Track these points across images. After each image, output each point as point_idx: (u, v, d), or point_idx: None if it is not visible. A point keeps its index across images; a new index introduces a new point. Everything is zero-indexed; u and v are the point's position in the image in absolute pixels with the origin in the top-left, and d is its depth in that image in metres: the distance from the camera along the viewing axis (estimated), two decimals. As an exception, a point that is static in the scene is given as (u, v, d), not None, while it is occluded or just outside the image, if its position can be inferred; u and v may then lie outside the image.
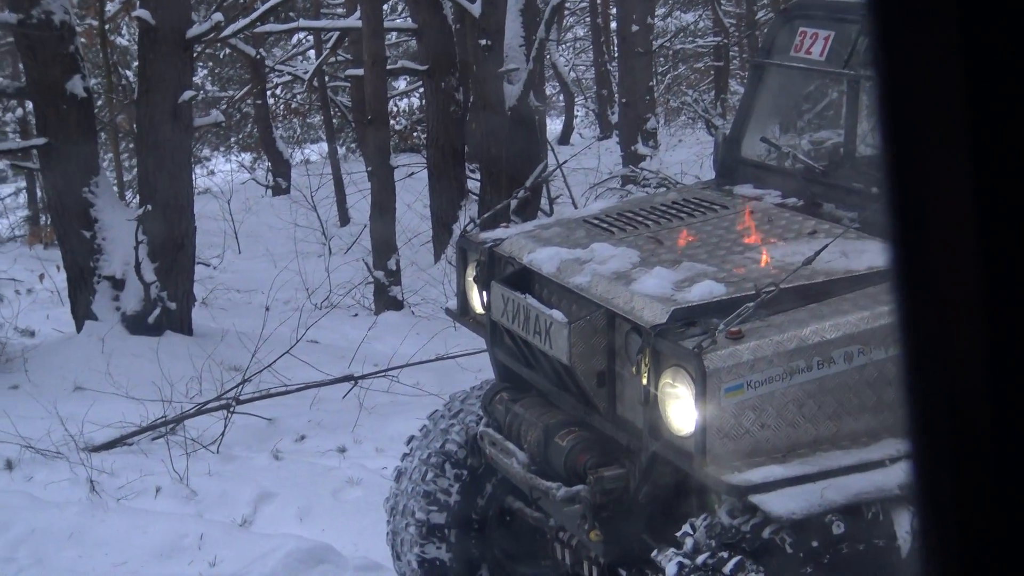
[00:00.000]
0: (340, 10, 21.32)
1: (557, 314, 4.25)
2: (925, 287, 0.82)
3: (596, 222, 4.91)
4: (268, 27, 15.36)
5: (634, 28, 16.39)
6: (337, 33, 15.93)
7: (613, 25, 23.33)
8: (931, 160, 0.80)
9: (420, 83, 17.63)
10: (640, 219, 4.87)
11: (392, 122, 18.75)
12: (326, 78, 19.49)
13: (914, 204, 0.82)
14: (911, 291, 0.83)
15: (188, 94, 10.47)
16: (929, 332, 0.82)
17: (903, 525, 3.66)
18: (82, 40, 12.69)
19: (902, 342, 0.83)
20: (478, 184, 13.73)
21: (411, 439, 5.50)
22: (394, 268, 12.45)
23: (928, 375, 0.82)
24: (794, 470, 3.61)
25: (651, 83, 18.02)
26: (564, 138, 25.14)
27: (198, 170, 20.58)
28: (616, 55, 21.43)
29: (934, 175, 0.80)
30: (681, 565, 3.70)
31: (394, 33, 17.89)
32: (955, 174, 0.79)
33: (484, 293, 4.92)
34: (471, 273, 5.12)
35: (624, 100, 17.27)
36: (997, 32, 0.76)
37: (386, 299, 12.35)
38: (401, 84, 22.95)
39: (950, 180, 0.80)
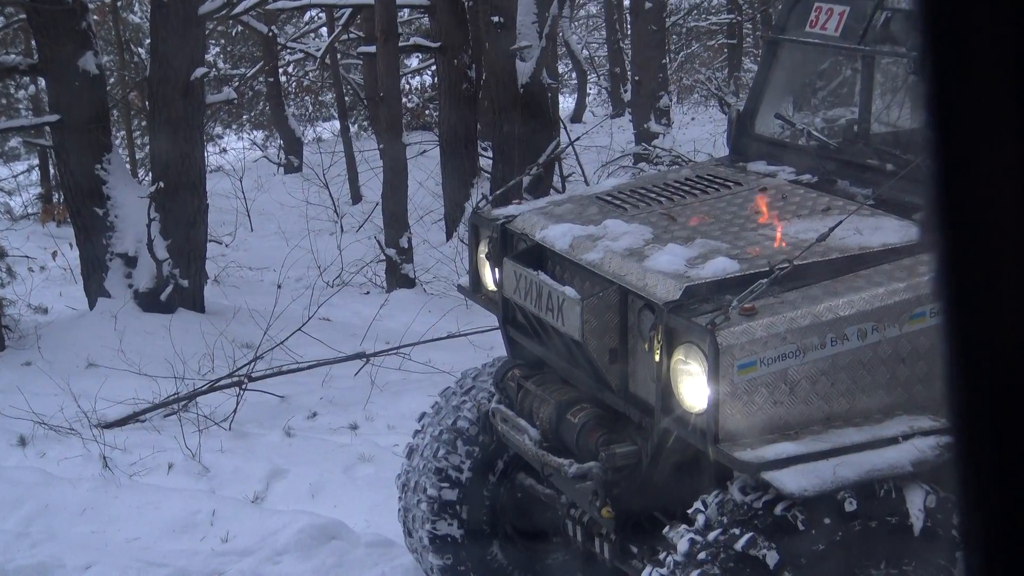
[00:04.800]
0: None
1: (569, 291, 4.24)
2: (973, 266, 0.80)
3: (609, 199, 4.89)
4: (280, 4, 15.32)
5: (647, 5, 16.31)
6: (349, 10, 15.88)
7: (626, 2, 23.23)
8: (982, 147, 0.78)
9: (432, 60, 17.61)
10: (653, 196, 4.84)
11: (404, 100, 18.72)
12: (338, 56, 19.45)
13: (961, 180, 0.80)
14: (958, 270, 0.81)
15: (200, 71, 10.46)
16: (975, 312, 0.80)
17: (916, 502, 3.65)
18: (94, 17, 12.69)
19: (946, 324, 0.82)
20: (490, 162, 13.70)
21: (423, 416, 5.51)
22: (406, 246, 12.45)
23: (973, 353, 0.81)
24: (807, 447, 3.60)
25: (664, 61, 17.94)
26: (576, 116, 25.07)
27: (210, 148, 20.58)
28: (629, 33, 21.34)
29: (983, 151, 0.79)
30: (693, 542, 3.69)
31: (406, 10, 17.84)
32: (1006, 148, 0.77)
33: (496, 270, 4.91)
34: (483, 250, 5.11)
35: (637, 78, 17.21)
36: None
37: (398, 277, 12.35)
38: (413, 62, 22.90)
39: (1000, 155, 0.78)
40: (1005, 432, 0.79)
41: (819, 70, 5.65)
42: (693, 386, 3.73)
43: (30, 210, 18.15)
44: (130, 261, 10.28)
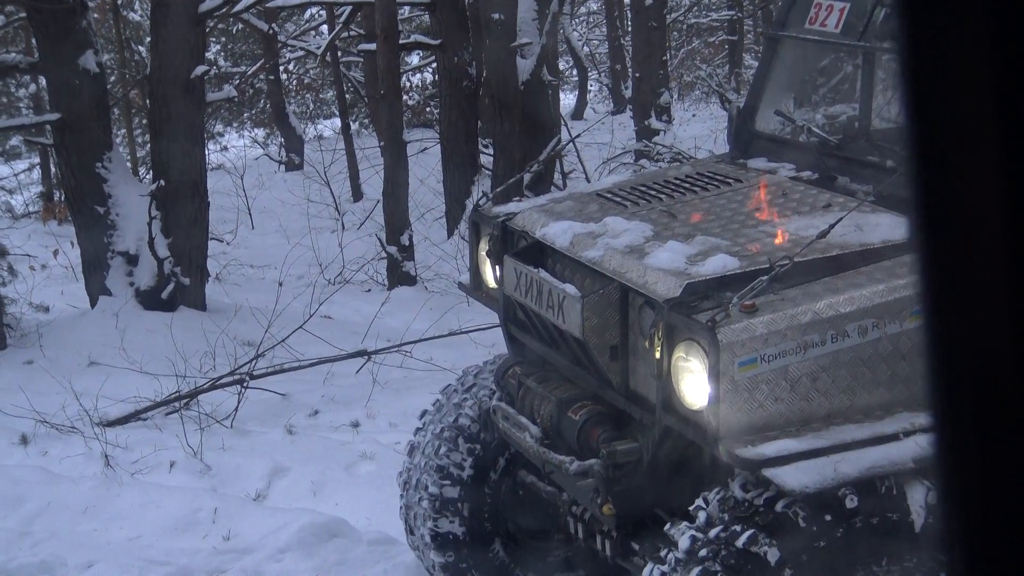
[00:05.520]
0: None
1: (570, 288, 4.24)
2: (952, 264, 0.80)
3: (609, 196, 4.89)
4: (280, 1, 15.31)
5: (648, 2, 16.29)
6: (350, 7, 15.88)
7: (626, -1, 23.21)
8: (959, 135, 0.79)
9: (433, 58, 17.59)
10: (654, 193, 4.85)
11: (405, 97, 18.72)
12: (339, 53, 19.44)
13: (941, 180, 0.80)
14: (938, 268, 0.81)
15: (201, 69, 10.46)
16: (955, 310, 0.80)
17: (917, 499, 3.65)
18: (95, 15, 12.69)
19: (927, 322, 0.82)
20: (491, 159, 13.70)
21: (424, 413, 5.51)
22: (407, 243, 12.45)
23: (954, 351, 0.81)
24: (808, 444, 3.60)
25: (665, 57, 17.93)
26: (577, 113, 25.06)
27: (211, 146, 20.57)
28: (630, 29, 21.33)
29: (962, 151, 0.79)
30: (694, 539, 3.70)
31: (407, 7, 17.83)
32: (984, 149, 0.77)
33: (497, 267, 4.91)
34: (484, 247, 5.11)
35: (638, 75, 17.20)
36: None
37: (399, 274, 12.35)
38: (414, 59, 22.88)
39: (979, 155, 0.78)
40: (987, 430, 0.80)
41: (819, 66, 5.65)
42: (694, 383, 3.73)
43: (31, 209, 18.15)
44: (131, 259, 10.28)
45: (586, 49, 28.62)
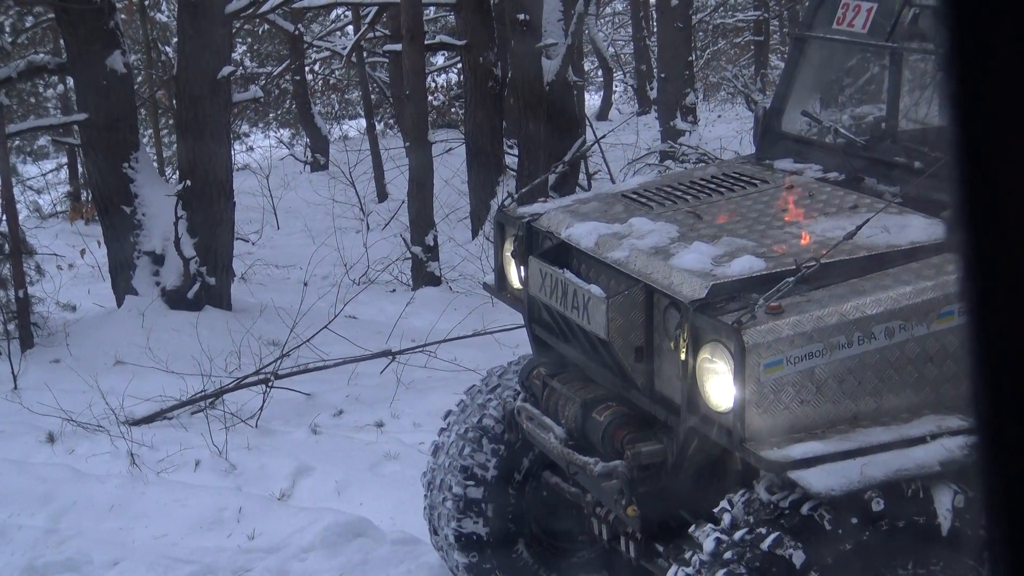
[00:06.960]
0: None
1: (595, 289, 4.23)
2: (997, 267, 0.79)
3: (634, 196, 4.88)
4: (306, 2, 15.35)
5: (673, 2, 16.25)
6: (375, 8, 15.92)
7: None
8: (1004, 135, 0.78)
9: (458, 58, 17.62)
10: (679, 194, 4.83)
11: (430, 98, 18.73)
12: (364, 54, 19.48)
13: (985, 180, 0.79)
14: (982, 271, 0.80)
15: (227, 70, 10.50)
16: (1000, 313, 0.79)
17: (943, 502, 3.63)
18: (122, 16, 12.75)
19: (970, 324, 0.81)
20: (516, 160, 13.70)
21: (449, 414, 5.51)
22: (432, 244, 12.46)
23: (998, 354, 0.80)
24: (834, 446, 3.58)
25: (690, 58, 17.86)
26: (602, 113, 25.03)
27: (237, 146, 20.65)
28: (655, 29, 21.28)
29: (1011, 161, 0.78)
30: (719, 541, 3.68)
31: (432, 8, 17.86)
32: None
33: (522, 268, 4.91)
34: (509, 248, 5.11)
35: (663, 75, 17.16)
36: None
37: (424, 274, 12.36)
38: (439, 60, 22.91)
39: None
40: None
41: (846, 67, 5.63)
42: (719, 385, 3.72)
43: (59, 208, 18.27)
44: (157, 259, 10.33)
45: (611, 49, 28.60)
